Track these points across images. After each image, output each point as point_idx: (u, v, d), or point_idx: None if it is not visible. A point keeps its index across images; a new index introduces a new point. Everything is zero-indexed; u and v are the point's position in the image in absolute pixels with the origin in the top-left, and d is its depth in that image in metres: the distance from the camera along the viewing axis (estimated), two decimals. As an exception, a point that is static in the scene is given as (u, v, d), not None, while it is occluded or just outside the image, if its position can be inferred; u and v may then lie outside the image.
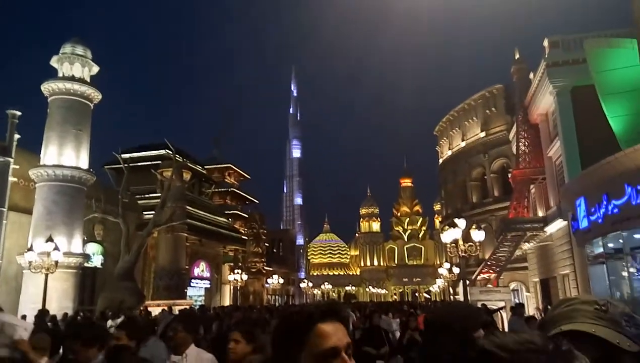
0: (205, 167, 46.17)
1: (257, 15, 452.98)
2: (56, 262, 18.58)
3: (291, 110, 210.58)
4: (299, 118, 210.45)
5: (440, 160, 52.24)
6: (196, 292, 37.49)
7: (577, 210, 18.94)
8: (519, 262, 32.47)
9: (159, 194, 28.78)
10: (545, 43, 24.27)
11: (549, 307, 21.66)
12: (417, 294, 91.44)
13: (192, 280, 36.60)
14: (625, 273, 16.95)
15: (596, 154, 17.31)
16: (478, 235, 16.06)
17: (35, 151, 24.27)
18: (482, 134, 43.06)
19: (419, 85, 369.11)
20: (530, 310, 25.96)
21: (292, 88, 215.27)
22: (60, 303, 20.67)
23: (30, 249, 19.99)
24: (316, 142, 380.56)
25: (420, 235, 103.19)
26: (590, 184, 17.96)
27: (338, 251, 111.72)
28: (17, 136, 23.89)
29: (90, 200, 24.41)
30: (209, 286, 39.84)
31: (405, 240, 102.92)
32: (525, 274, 33.16)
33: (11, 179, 23.31)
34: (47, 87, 23.99)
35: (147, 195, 33.63)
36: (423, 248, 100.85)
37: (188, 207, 32.76)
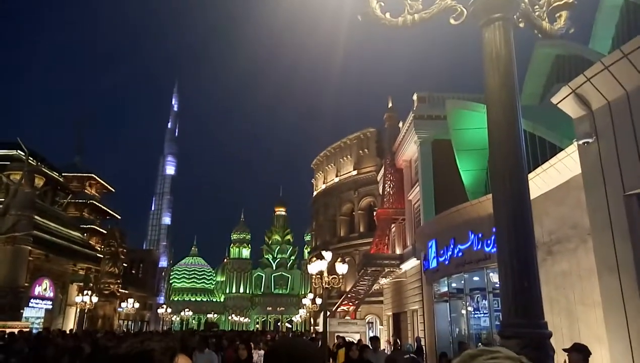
0: (63, 174, 41.81)
1: (141, 22, 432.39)
2: None
3: (169, 125, 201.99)
4: (176, 134, 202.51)
5: (315, 193, 53.99)
6: (34, 312, 33.12)
7: (428, 250, 20.85)
8: (376, 296, 34.45)
9: (2, 199, 25.28)
10: (415, 97, 26.85)
11: (397, 340, 23.15)
12: (279, 324, 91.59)
13: (32, 300, 32.32)
14: (464, 311, 18.95)
15: (449, 201, 19.39)
16: (342, 267, 16.74)
17: None
18: (354, 172, 45.64)
19: (300, 118, 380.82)
20: (382, 343, 27.56)
21: (174, 102, 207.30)
22: None
23: None
24: (193, 161, 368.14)
25: (288, 265, 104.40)
26: (440, 228, 19.94)
27: (203, 276, 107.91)
28: None
29: None
30: (50, 307, 35.49)
31: (274, 268, 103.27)
32: (380, 308, 35.24)
33: None
34: None
35: (-14, 199, 29.28)
36: (290, 277, 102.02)
37: (36, 217, 29.19)
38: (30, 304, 31.85)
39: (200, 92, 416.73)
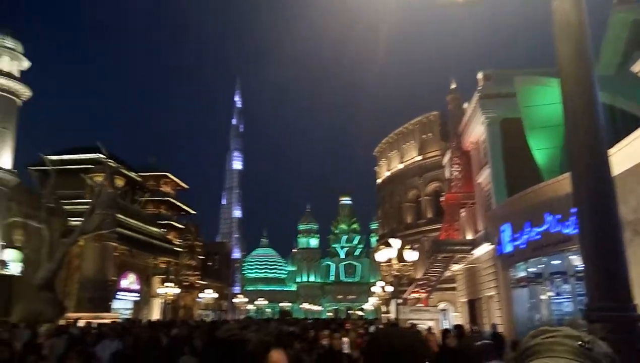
0: (140, 174, 44.46)
1: (200, 24, 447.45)
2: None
3: (234, 122, 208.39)
4: (241, 130, 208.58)
5: (379, 180, 53.57)
6: (123, 304, 35.72)
7: (502, 235, 20.05)
8: (448, 283, 33.72)
9: (88, 200, 27.35)
10: (479, 76, 25.77)
11: (473, 328, 22.57)
12: (350, 312, 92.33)
13: (119, 293, 34.86)
14: (544, 297, 18.09)
15: (521, 182, 18.51)
16: (411, 255, 16.57)
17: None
18: (419, 158, 44.72)
19: (364, 104, 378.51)
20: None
21: (236, 99, 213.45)
22: (-32, 313, 19.00)
23: (-63, 254, 18.27)
24: (258, 155, 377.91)
25: (356, 253, 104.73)
26: (514, 211, 19.09)
27: (275, 266, 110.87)
28: None
29: (11, 202, 22.76)
30: (137, 299, 38.10)
31: (342, 257, 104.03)
32: (453, 294, 34.46)
33: None
34: (-31, 80, 22.31)
35: (75, 201, 31.79)
36: (359, 265, 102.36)
37: (119, 215, 31.32)
38: (118, 296, 34.37)
39: (261, 88, 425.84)
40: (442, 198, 35.37)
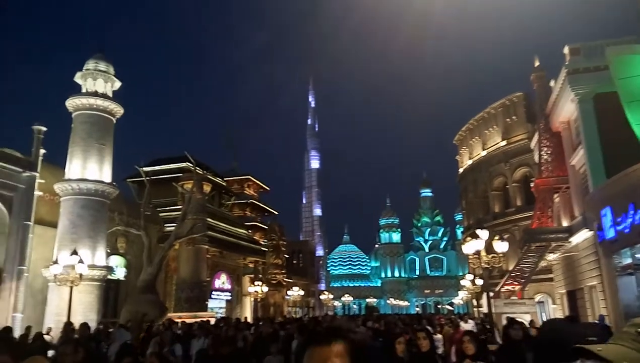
0: (225, 179, 46.54)
1: (270, 28, 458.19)
2: (80, 275, 18.88)
3: (309, 121, 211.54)
4: (316, 129, 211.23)
5: (461, 170, 51.70)
6: (217, 303, 37.59)
7: (602, 219, 18.48)
8: (544, 273, 31.76)
9: (180, 207, 29.08)
10: (566, 50, 23.95)
11: (575, 320, 21.04)
12: (439, 306, 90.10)
13: (213, 292, 36.74)
14: (655, 285, 16.44)
15: (621, 161, 16.92)
16: (501, 246, 15.77)
17: (60, 165, 24.85)
18: (503, 143, 42.53)
19: (438, 93, 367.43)
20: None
21: (310, 99, 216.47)
22: (85, 315, 20.94)
23: (56, 262, 20.36)
24: (334, 152, 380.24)
25: (441, 246, 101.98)
26: (615, 193, 17.52)
27: (358, 262, 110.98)
28: (42, 151, 24.45)
29: (113, 213, 24.82)
30: (229, 298, 39.95)
31: (426, 251, 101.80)
32: (550, 286, 32.40)
33: (37, 193, 23.82)
34: (71, 103, 24.59)
35: (168, 208, 34.01)
36: (445, 259, 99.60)
37: (209, 219, 32.99)
38: (212, 296, 36.24)
39: (333, 83, 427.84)
40: (532, 185, 33.35)
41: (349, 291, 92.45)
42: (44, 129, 24.87)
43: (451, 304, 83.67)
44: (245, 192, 52.25)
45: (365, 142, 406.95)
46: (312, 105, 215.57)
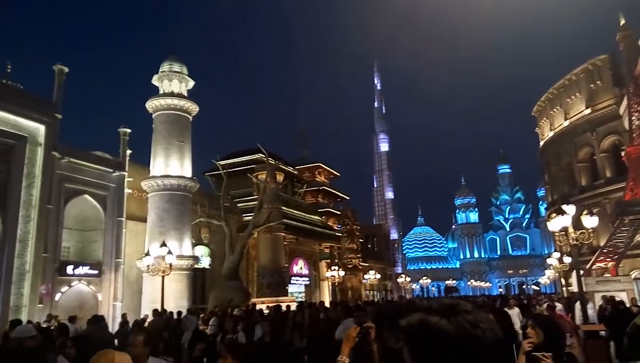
0: (296, 167, 47.35)
1: (333, 14, 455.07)
2: (170, 265, 20.14)
3: (376, 104, 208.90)
4: (384, 111, 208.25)
5: (541, 143, 48.80)
6: (297, 288, 38.65)
7: None
8: (641, 248, 29.38)
9: (256, 197, 30.06)
10: (658, 2, 21.67)
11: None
12: (524, 286, 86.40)
13: (292, 278, 37.79)
14: None
15: None
16: (590, 221, 14.74)
17: (144, 163, 26.57)
18: (588, 111, 39.51)
19: (511, 64, 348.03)
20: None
21: (376, 82, 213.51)
22: (177, 302, 22.42)
23: (147, 254, 21.89)
24: (403, 134, 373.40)
25: (524, 224, 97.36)
26: None
27: (434, 244, 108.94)
28: (128, 151, 26.24)
29: (195, 206, 26.20)
30: (308, 282, 40.89)
31: (507, 229, 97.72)
32: (649, 261, 29.93)
33: (126, 190, 25.66)
34: (150, 104, 26.15)
35: (245, 198, 35.30)
36: (527, 237, 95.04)
37: (283, 207, 33.81)
38: (292, 281, 37.29)
39: (399, 66, 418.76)
40: (622, 153, 30.79)
41: (427, 273, 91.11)
42: (129, 130, 26.63)
43: (537, 284, 79.89)
44: (316, 179, 52.87)
45: (435, 123, 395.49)
46: (378, 87, 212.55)
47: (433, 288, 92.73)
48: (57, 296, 21.39)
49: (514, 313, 11.43)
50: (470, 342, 1.01)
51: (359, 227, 52.27)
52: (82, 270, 22.77)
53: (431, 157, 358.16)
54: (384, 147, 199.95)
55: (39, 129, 20.78)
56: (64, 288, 21.90)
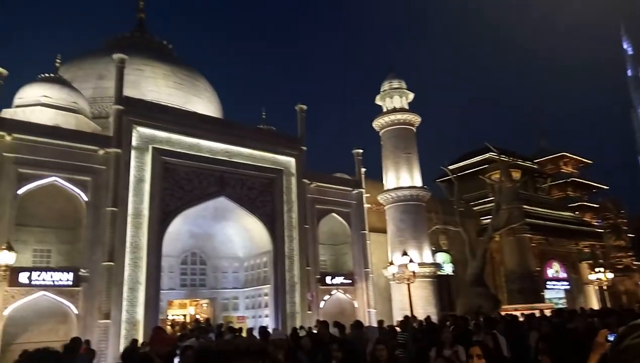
0: (535, 161, 43.36)
1: None
2: (413, 273, 20.90)
3: (629, 73, 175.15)
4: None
5: None
6: (554, 294, 35.00)
7: None
8: None
9: (492, 198, 28.73)
10: None
11: None
12: None
13: (547, 282, 34.40)
14: None
15: None
16: None
17: (376, 179, 28.31)
18: None
19: None
20: None
21: (625, 46, 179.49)
22: (424, 309, 23.00)
23: (391, 263, 23.15)
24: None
25: None
26: None
27: None
28: (363, 169, 28.37)
29: (429, 213, 26.62)
30: (568, 287, 36.57)
31: None
32: None
33: (366, 205, 27.73)
34: (377, 123, 27.92)
35: (480, 201, 34.06)
36: None
37: (525, 206, 31.41)
38: (547, 286, 33.94)
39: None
40: None
41: None
42: (361, 150, 28.73)
43: None
44: (562, 170, 47.29)
45: None
46: (630, 52, 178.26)
47: None
48: (322, 304, 24.36)
49: None
50: None
51: (625, 221, 44.44)
52: (338, 280, 25.41)
53: None
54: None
55: (291, 162, 24.37)
56: (326, 297, 24.81)
